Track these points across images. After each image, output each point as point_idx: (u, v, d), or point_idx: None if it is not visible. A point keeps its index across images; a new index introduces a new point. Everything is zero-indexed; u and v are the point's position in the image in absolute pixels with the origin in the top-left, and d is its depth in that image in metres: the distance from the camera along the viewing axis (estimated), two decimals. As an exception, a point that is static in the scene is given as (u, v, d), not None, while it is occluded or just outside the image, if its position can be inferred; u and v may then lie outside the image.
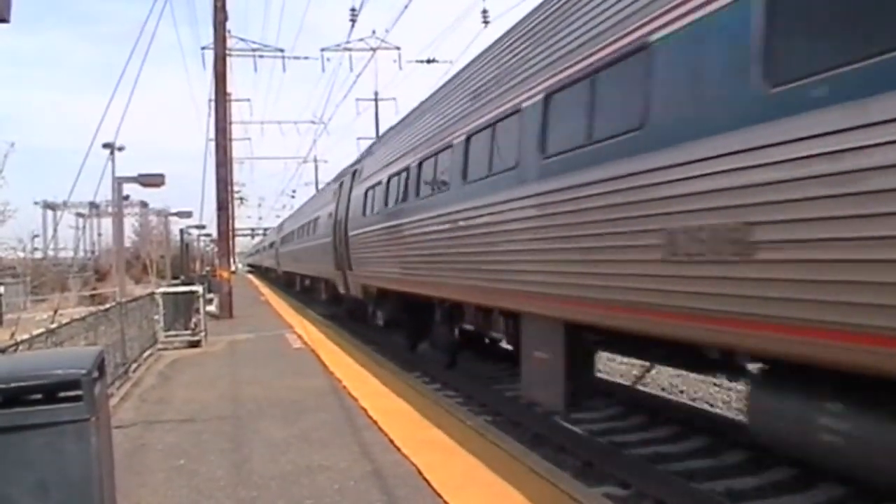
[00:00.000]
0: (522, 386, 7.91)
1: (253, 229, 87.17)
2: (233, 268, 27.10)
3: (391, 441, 6.06)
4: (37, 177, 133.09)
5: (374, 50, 31.84)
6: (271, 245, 52.26)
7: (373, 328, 16.39)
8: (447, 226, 9.25)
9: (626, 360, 11.32)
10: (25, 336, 6.38)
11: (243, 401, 8.17)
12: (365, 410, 7.30)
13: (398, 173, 12.37)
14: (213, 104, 20.85)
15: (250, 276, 63.43)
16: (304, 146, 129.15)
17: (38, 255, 49.61)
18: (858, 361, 3.69)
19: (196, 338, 13.66)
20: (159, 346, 13.16)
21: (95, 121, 22.18)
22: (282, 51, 34.88)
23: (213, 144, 20.95)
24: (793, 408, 4.38)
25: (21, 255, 45.92)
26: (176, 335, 13.65)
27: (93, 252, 61.08)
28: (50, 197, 62.41)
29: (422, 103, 12.80)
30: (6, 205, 40.52)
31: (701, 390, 10.43)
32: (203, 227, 38.32)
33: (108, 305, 10.39)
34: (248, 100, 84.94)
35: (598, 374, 10.28)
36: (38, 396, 3.45)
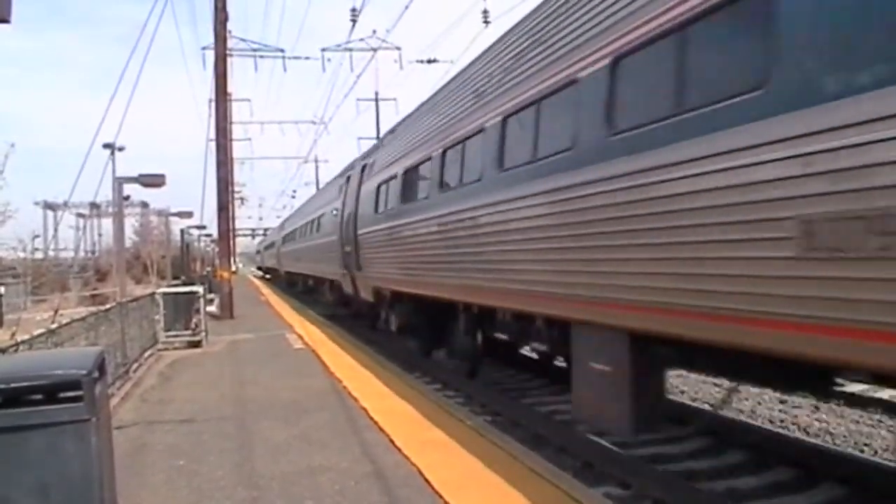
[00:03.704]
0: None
1: (253, 229, 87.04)
2: (233, 268, 27.11)
3: (392, 441, 6.06)
4: (37, 177, 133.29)
5: (374, 50, 31.91)
6: (272, 245, 50.04)
7: (384, 333, 15.37)
8: (461, 226, 8.88)
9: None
10: (26, 336, 6.38)
11: (244, 401, 8.17)
12: (366, 411, 7.30)
13: (416, 166, 11.26)
14: (213, 104, 20.90)
15: (252, 279, 63.06)
16: (304, 146, 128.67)
17: (39, 255, 49.54)
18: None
19: (196, 338, 13.66)
20: (160, 346, 13.16)
21: (96, 121, 22.21)
22: (282, 51, 34.95)
23: (213, 144, 20.99)
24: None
25: (21, 255, 45.87)
26: (176, 335, 13.66)
27: (93, 252, 61.11)
28: (50, 197, 62.39)
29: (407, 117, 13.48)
30: (7, 205, 40.43)
31: (701, 391, 10.43)
32: (204, 227, 38.24)
33: (108, 306, 10.39)
34: (249, 100, 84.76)
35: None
36: (39, 397, 3.45)
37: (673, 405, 8.95)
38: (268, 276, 61.03)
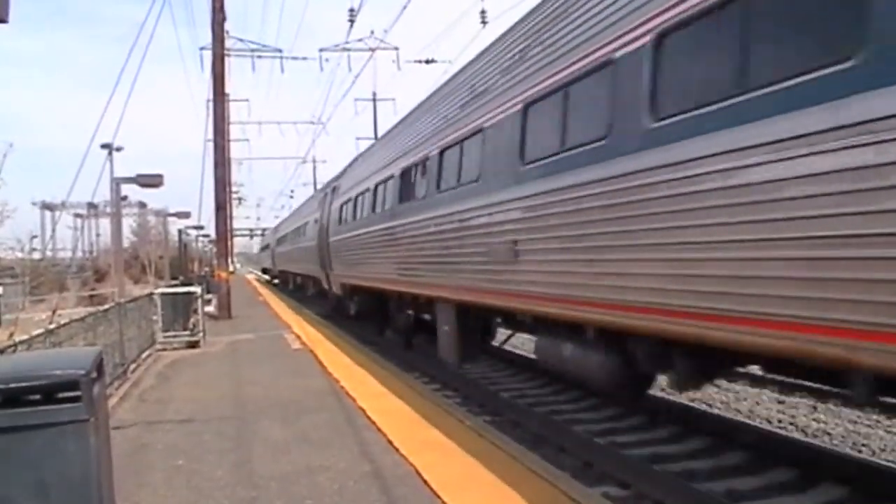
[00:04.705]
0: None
1: (251, 229, 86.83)
2: (231, 268, 27.09)
3: (390, 441, 6.05)
4: (35, 177, 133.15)
5: (372, 50, 31.86)
6: (298, 231, 28.67)
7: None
8: None
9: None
10: (24, 336, 6.38)
11: (242, 401, 8.16)
12: (364, 411, 7.29)
13: None
14: (211, 104, 20.88)
15: (250, 279, 62.53)
16: (302, 146, 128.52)
17: (37, 255, 49.58)
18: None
19: (195, 338, 13.65)
20: (158, 346, 13.14)
21: (94, 121, 22.16)
22: (280, 51, 34.85)
23: (211, 145, 20.98)
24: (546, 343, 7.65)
25: (19, 255, 45.87)
26: (174, 335, 13.64)
27: (91, 252, 61.11)
28: (48, 197, 62.47)
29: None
30: (5, 205, 40.56)
31: (700, 390, 10.44)
32: (201, 227, 38.20)
33: (106, 306, 10.39)
34: (247, 100, 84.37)
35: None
36: (37, 397, 3.44)
37: (673, 405, 8.96)
38: (275, 280, 44.84)
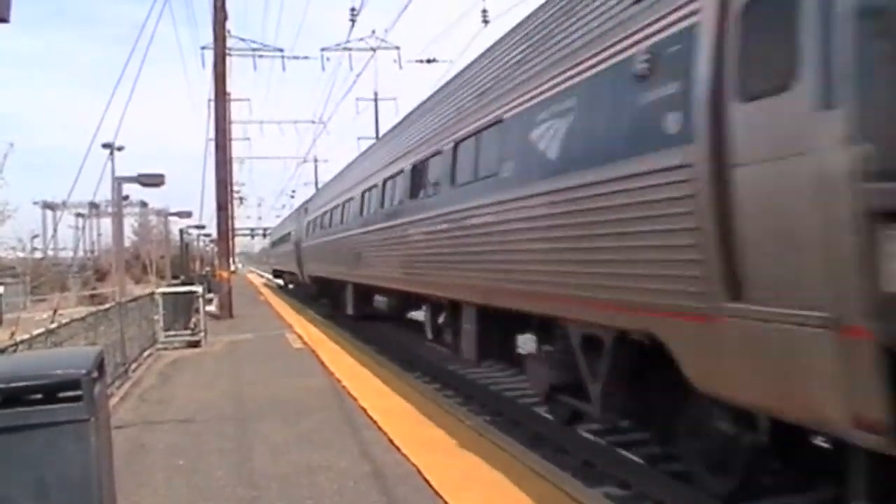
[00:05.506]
0: None
1: (252, 229, 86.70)
2: (232, 268, 27.09)
3: (391, 441, 6.06)
4: (36, 177, 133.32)
5: (373, 49, 31.79)
6: (425, 174, 10.86)
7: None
8: None
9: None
10: (25, 336, 6.38)
11: (243, 401, 8.16)
12: (365, 410, 7.29)
13: None
14: (212, 104, 20.88)
15: (251, 278, 62.37)
16: (303, 146, 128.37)
17: (38, 254, 49.66)
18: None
19: (196, 338, 13.65)
20: (159, 345, 13.15)
21: (95, 121, 22.19)
22: (281, 50, 34.71)
23: (212, 144, 20.98)
24: None
25: (21, 254, 46.00)
26: (175, 335, 13.65)
27: (92, 252, 61.08)
28: (49, 197, 62.36)
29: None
30: (6, 204, 40.65)
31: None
32: (203, 227, 38.28)
33: (107, 305, 10.39)
34: (248, 99, 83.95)
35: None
36: (38, 396, 3.44)
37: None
38: (290, 285, 33.78)
